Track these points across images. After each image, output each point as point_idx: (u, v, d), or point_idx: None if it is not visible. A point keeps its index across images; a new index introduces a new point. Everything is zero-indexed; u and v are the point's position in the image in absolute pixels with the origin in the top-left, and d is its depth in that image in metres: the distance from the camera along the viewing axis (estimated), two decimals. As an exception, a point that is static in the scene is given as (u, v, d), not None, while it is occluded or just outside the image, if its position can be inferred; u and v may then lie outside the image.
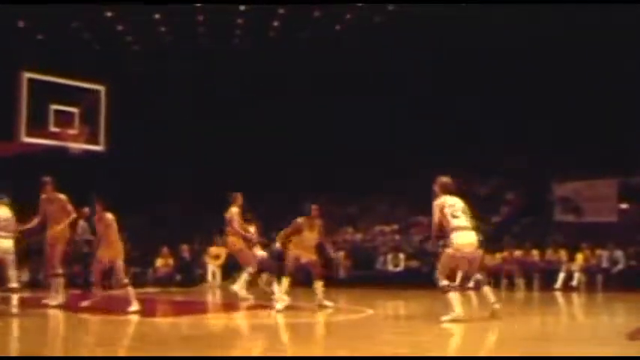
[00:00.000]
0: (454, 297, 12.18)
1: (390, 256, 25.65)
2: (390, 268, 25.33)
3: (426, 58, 31.30)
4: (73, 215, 15.36)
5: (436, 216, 12.29)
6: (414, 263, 25.50)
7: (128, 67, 32.32)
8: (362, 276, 24.90)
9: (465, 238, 12.23)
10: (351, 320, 12.98)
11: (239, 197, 16.30)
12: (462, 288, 13.11)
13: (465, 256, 12.49)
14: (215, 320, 13.86)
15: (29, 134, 18.17)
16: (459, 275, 14.37)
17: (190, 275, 25.79)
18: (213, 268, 25.71)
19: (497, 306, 12.38)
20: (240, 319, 13.87)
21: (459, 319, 11.67)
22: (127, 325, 12.42)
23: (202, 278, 25.36)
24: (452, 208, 12.25)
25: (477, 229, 12.60)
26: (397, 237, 27.54)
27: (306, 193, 30.38)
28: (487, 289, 12.78)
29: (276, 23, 32.81)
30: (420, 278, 23.98)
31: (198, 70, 34.14)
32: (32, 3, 26.66)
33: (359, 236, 28.37)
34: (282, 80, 34.03)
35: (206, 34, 33.78)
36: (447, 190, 12.53)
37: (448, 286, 12.38)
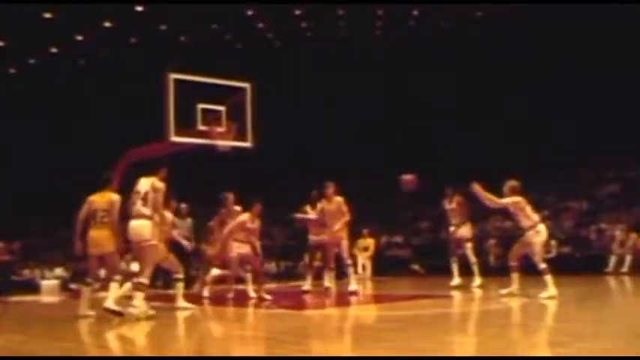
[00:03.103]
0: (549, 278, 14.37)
1: (541, 243, 25.24)
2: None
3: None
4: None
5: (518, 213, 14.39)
6: (567, 249, 25.04)
7: (271, 63, 32.66)
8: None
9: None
10: (504, 308, 12.81)
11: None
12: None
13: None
14: (367, 312, 13.87)
15: (178, 133, 18.55)
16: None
17: (341, 268, 25.85)
18: (363, 260, 25.82)
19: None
20: (391, 310, 13.84)
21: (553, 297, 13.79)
22: (283, 319, 12.56)
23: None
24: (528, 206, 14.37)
25: None
26: (548, 223, 27.05)
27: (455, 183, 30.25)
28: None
29: (415, 12, 32.70)
30: (573, 264, 23.58)
31: (340, 62, 34.29)
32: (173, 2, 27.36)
33: (509, 223, 27.92)
34: (431, 72, 33.98)
35: (346, 27, 33.93)
36: (517, 192, 14.41)
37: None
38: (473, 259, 18.27)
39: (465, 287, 17.32)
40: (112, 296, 12.14)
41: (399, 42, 34.38)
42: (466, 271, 18.22)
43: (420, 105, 34.17)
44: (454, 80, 33.35)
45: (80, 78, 32.41)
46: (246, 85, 20.06)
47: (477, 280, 17.80)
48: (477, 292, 16.35)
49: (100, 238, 12.32)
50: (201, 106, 18.70)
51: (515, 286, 14.75)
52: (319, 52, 34.17)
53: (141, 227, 11.98)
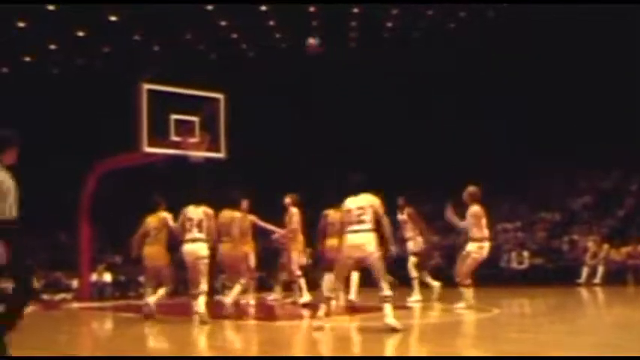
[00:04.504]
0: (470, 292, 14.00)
1: (513, 254, 25.33)
2: (515, 265, 25.01)
3: (535, 55, 31.00)
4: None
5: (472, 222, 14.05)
6: (539, 260, 25.14)
7: (245, 73, 32.62)
8: (486, 274, 24.58)
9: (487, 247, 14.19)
10: (476, 319, 12.82)
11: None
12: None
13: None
14: (339, 323, 13.83)
15: (151, 144, 18.46)
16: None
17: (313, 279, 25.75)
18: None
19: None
20: (362, 320, 13.81)
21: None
22: (254, 330, 12.55)
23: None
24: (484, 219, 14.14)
25: None
26: (520, 234, 27.13)
27: (428, 194, 30.38)
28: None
29: (389, 24, 32.86)
30: (545, 275, 23.68)
31: (314, 74, 34.28)
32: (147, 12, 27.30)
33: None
34: (396, 81, 34.03)
35: (320, 37, 33.95)
36: (477, 199, 14.24)
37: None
38: (413, 273, 17.11)
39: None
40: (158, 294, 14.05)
41: (371, 50, 34.46)
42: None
43: (396, 114, 34.28)
44: (426, 92, 33.50)
45: (53, 87, 32.28)
46: (219, 95, 20.00)
47: (415, 296, 16.70)
48: (416, 308, 15.61)
49: (154, 253, 14.22)
50: (174, 116, 18.61)
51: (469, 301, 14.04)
52: (293, 62, 34.17)
53: (198, 249, 13.54)
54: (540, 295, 19.10)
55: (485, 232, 14.07)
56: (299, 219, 16.50)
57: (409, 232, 17.30)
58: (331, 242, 15.48)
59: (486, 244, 14.06)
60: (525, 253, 25.15)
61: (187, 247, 13.64)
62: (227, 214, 14.77)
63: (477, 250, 13.96)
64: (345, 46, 34.70)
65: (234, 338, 11.71)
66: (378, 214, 11.12)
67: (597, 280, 23.30)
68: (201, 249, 13.60)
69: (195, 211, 13.73)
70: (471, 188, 14.37)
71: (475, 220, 13.97)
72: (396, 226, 16.64)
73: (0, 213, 7.57)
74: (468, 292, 13.93)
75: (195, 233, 13.60)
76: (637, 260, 23.42)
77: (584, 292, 20.79)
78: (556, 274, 24.09)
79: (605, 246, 24.08)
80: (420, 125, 33.50)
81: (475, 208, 14.06)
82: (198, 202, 13.88)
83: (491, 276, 24.12)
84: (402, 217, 17.36)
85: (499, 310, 14.14)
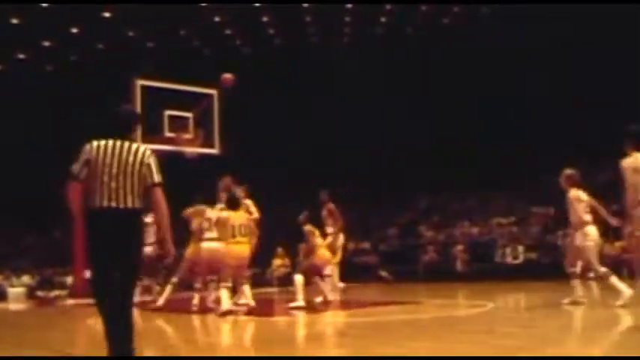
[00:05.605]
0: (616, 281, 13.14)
1: (508, 249, 25.36)
2: (509, 260, 25.03)
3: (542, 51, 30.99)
4: None
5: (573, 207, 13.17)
6: (533, 255, 25.16)
7: (239, 70, 32.58)
8: (480, 269, 24.68)
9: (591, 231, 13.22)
10: (471, 314, 12.83)
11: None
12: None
13: None
14: (333, 318, 13.85)
15: (145, 140, 18.44)
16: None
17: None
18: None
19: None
20: (357, 316, 13.82)
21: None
22: (246, 325, 12.54)
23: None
24: (584, 203, 13.14)
25: None
26: (515, 229, 27.18)
27: (423, 189, 30.37)
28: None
29: (383, 19, 32.87)
30: (540, 270, 23.70)
31: (308, 70, 34.27)
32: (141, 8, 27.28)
33: (476, 229, 28.05)
34: (391, 77, 34.00)
35: (315, 34, 33.99)
36: (575, 183, 13.41)
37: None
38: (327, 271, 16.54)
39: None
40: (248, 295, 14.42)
41: (366, 47, 34.49)
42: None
43: (391, 111, 34.28)
44: (416, 90, 33.50)
45: (48, 84, 32.24)
46: (213, 91, 19.99)
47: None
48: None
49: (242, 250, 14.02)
50: (168, 112, 18.61)
51: (578, 294, 13.77)
52: (287, 58, 34.16)
53: (219, 248, 14.18)
54: (535, 289, 19.11)
55: (586, 217, 13.20)
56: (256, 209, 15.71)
57: (330, 228, 17.25)
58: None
59: (588, 228, 13.23)
60: (520, 248, 25.17)
61: (210, 245, 14.52)
62: (241, 213, 14.28)
63: (582, 240, 13.20)
64: (340, 42, 34.71)
65: (230, 335, 11.72)
66: None
67: (592, 275, 23.30)
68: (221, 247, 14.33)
69: (212, 212, 14.76)
70: (567, 171, 13.66)
71: (576, 204, 13.21)
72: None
73: None
74: (613, 280, 13.44)
75: (214, 233, 14.56)
76: (631, 254, 23.44)
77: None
78: (551, 268, 24.11)
79: (600, 241, 24.08)
80: (418, 123, 33.50)
81: (573, 193, 13.32)
82: (210, 202, 15.01)
83: (486, 270, 24.22)
84: (323, 213, 17.38)
85: (494, 304, 14.14)
